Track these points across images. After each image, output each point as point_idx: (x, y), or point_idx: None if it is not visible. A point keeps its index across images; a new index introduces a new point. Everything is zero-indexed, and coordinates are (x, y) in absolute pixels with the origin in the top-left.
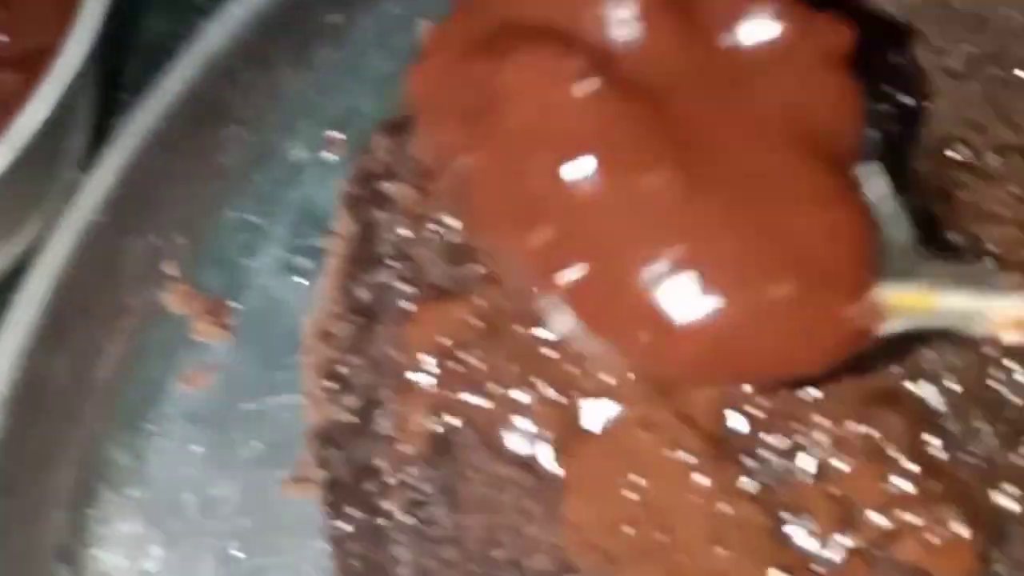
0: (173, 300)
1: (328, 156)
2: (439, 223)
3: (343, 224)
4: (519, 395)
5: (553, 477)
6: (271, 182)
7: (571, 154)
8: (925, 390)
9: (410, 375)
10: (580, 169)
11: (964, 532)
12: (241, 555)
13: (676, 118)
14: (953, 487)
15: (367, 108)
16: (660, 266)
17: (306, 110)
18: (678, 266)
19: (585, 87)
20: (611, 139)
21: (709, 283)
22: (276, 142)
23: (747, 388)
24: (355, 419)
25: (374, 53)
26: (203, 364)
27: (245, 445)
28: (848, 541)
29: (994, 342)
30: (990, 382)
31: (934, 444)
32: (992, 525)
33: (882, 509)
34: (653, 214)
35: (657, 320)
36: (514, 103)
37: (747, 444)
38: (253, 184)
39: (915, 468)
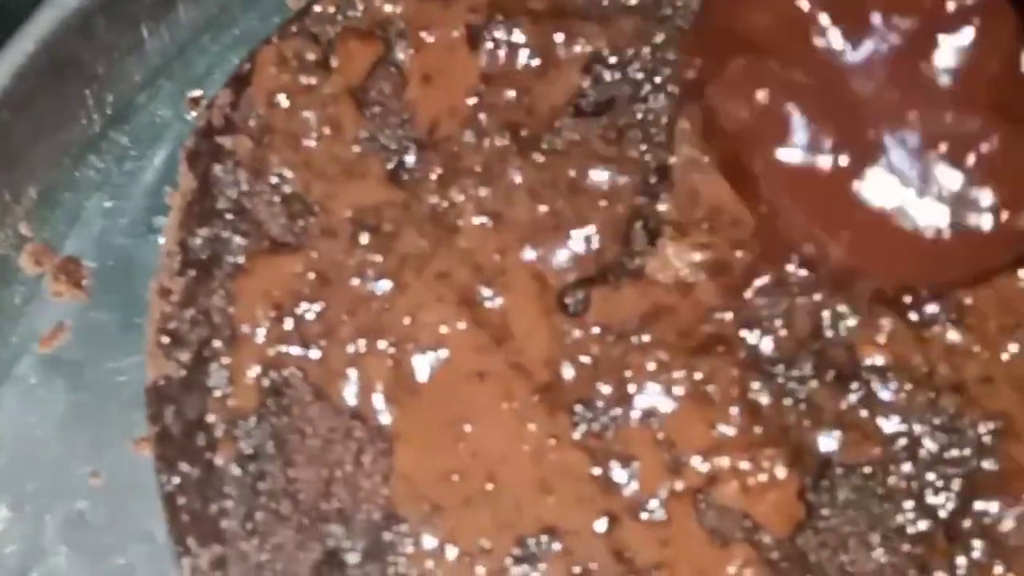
0: (27, 259)
1: (191, 115)
2: (278, 176)
3: (183, 179)
4: (352, 348)
5: (385, 429)
6: (132, 141)
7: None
8: (755, 337)
9: (243, 329)
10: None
11: (783, 475)
12: (89, 514)
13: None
14: (777, 432)
15: (231, 67)
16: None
17: (169, 69)
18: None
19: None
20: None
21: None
22: (138, 101)
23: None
24: (187, 373)
25: (238, 11)
26: (58, 323)
27: (99, 405)
28: (674, 486)
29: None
30: (822, 329)
31: (761, 390)
32: (815, 469)
33: (707, 454)
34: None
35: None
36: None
37: (579, 392)
38: (113, 143)
39: (740, 413)
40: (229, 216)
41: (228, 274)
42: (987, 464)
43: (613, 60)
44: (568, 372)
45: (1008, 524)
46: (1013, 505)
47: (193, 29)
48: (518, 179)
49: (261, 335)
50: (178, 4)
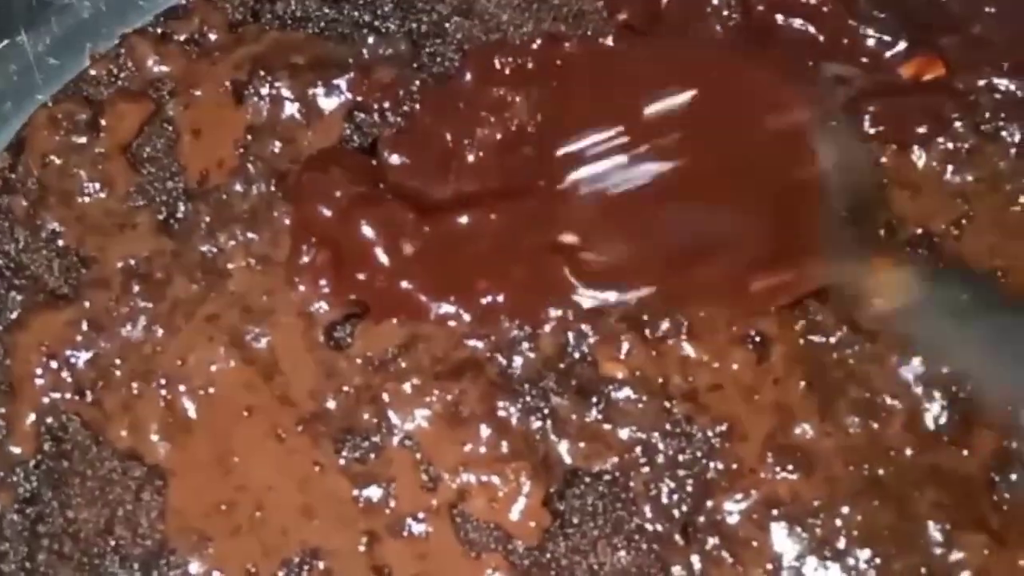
0: None
1: None
2: (52, 231)
3: None
4: (126, 391)
5: (160, 466)
6: None
7: None
8: (505, 359)
9: (20, 379)
10: None
11: (528, 486)
12: None
13: None
14: (523, 446)
15: None
16: None
17: None
18: None
19: None
20: None
21: None
22: None
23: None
24: None
25: (40, 78)
26: None
27: None
28: (431, 502)
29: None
30: (567, 348)
31: (508, 408)
32: (561, 479)
33: (457, 470)
34: None
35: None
36: None
37: (343, 420)
38: None
39: (488, 431)
40: (7, 272)
41: (5, 328)
42: (717, 464)
43: (374, 107)
44: (332, 402)
45: (735, 519)
46: (740, 501)
47: None
48: (285, 223)
49: (37, 384)
50: None
